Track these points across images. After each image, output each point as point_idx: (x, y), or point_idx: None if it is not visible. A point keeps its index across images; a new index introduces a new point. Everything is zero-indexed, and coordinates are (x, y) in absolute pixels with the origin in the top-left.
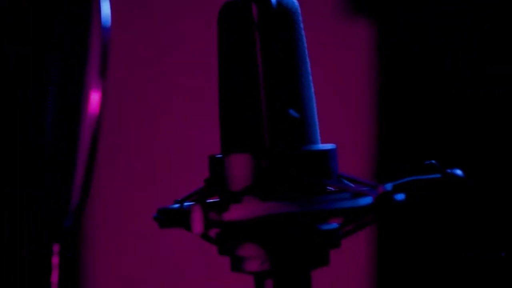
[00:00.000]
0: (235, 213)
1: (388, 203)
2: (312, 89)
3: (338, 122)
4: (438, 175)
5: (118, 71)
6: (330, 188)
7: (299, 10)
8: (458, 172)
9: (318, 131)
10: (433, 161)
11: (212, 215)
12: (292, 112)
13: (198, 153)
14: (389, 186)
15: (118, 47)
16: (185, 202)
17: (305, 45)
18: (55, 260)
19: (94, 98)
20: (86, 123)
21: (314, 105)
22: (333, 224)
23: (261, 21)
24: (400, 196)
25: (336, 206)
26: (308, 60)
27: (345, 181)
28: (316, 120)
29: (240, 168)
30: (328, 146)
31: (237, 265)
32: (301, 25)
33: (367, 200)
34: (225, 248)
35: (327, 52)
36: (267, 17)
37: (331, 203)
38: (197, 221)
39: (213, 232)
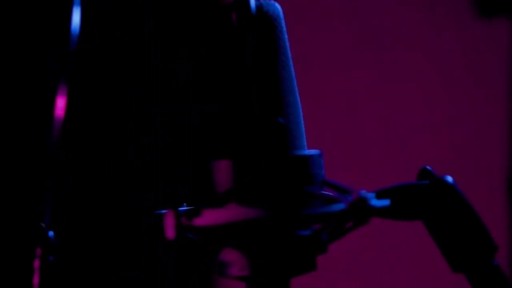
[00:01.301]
0: (206, 218)
1: (362, 209)
2: (297, 95)
3: (476, 122)
4: (426, 181)
5: None
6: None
7: (281, 15)
8: (448, 179)
9: (304, 136)
10: (427, 167)
11: (183, 220)
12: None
13: None
14: (364, 193)
15: None
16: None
17: (288, 50)
18: (36, 263)
19: (60, 103)
20: (55, 126)
21: (299, 110)
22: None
23: (240, 26)
24: (379, 202)
25: (308, 212)
26: (292, 65)
27: (327, 187)
28: (302, 125)
29: (222, 173)
30: (312, 151)
31: (218, 269)
32: (284, 30)
33: (340, 206)
34: (205, 252)
35: (467, 54)
36: (246, 22)
37: (303, 209)
38: (169, 227)
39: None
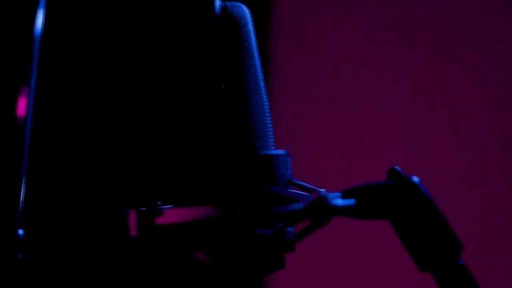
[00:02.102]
0: (168, 217)
1: (321, 208)
2: (264, 95)
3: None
4: (392, 181)
5: None
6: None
7: (247, 17)
8: (414, 179)
9: (271, 136)
10: (396, 167)
11: (146, 219)
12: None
13: None
14: (323, 192)
15: None
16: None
17: (255, 51)
18: None
19: (21, 103)
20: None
21: (266, 111)
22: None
23: (205, 27)
24: (343, 202)
25: (269, 211)
26: (258, 66)
27: (292, 187)
28: (268, 125)
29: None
30: (277, 151)
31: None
32: (249, 31)
33: (299, 206)
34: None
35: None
36: (210, 24)
37: (265, 208)
38: (133, 225)
39: None
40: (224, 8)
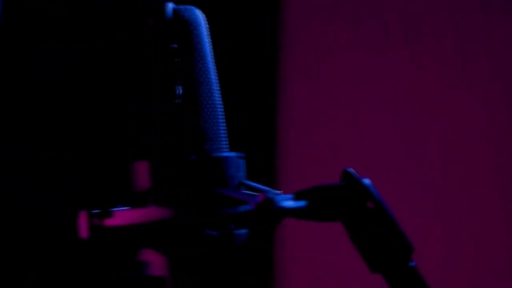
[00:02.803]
0: (118, 219)
1: (268, 209)
2: (217, 97)
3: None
4: (343, 183)
5: None
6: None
7: (200, 20)
8: (365, 181)
9: (224, 138)
10: (348, 169)
11: (95, 221)
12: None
13: None
14: (271, 194)
15: None
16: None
17: (208, 54)
18: None
19: None
20: None
21: (219, 113)
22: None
23: (156, 30)
24: (293, 203)
25: (217, 213)
26: (211, 69)
27: (245, 188)
28: (221, 128)
29: (140, 174)
30: (229, 153)
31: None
32: (202, 35)
33: (246, 207)
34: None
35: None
36: (161, 27)
37: (213, 209)
38: (83, 227)
39: None
40: (176, 11)
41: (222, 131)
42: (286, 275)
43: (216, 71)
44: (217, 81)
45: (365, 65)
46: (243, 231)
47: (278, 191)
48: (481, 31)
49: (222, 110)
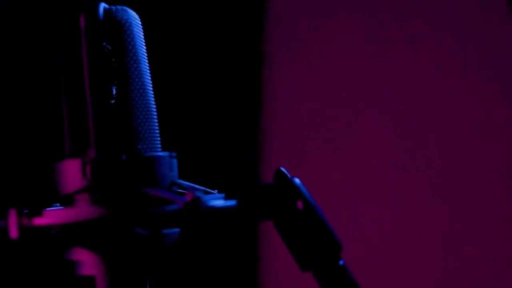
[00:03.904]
0: (47, 218)
1: (195, 209)
2: (150, 97)
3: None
4: (273, 182)
5: None
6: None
7: (132, 20)
8: (295, 180)
9: (156, 137)
10: (281, 168)
11: (24, 220)
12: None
13: None
14: (198, 193)
15: None
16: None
17: (140, 54)
18: None
19: None
20: None
21: (151, 113)
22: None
23: (87, 31)
24: (221, 202)
25: (145, 212)
26: (145, 69)
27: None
28: (154, 127)
29: (70, 173)
30: (160, 153)
31: (73, 268)
32: (134, 34)
33: (174, 207)
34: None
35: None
36: (93, 27)
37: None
38: (13, 226)
39: None
40: (108, 12)
41: (155, 131)
42: (271, 274)
43: (149, 71)
44: (150, 81)
45: (363, 65)
46: (174, 230)
47: (212, 191)
48: (481, 31)
49: (155, 110)
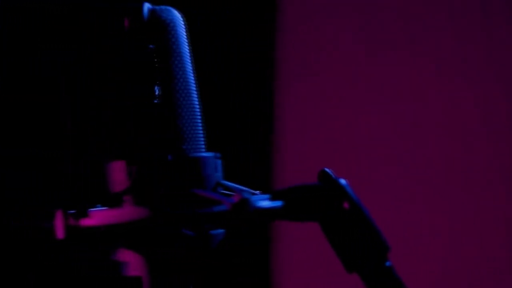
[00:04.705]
0: (94, 219)
1: (243, 210)
2: (194, 97)
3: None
4: (319, 183)
5: None
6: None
7: (176, 20)
8: (342, 181)
9: (201, 138)
10: (326, 169)
11: (71, 221)
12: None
13: None
14: (247, 194)
15: None
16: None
17: (184, 53)
18: None
19: None
20: None
21: (196, 113)
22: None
23: (132, 31)
24: (269, 203)
25: (193, 213)
26: (189, 69)
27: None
28: (198, 128)
29: (116, 174)
30: (206, 154)
31: (116, 269)
32: (178, 34)
33: (222, 208)
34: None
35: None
36: (138, 27)
37: (189, 209)
38: (59, 227)
39: None
40: (152, 12)
41: (200, 131)
42: (283, 275)
43: (194, 71)
44: (195, 81)
45: (364, 65)
46: (220, 231)
47: (256, 192)
48: (481, 31)
49: (200, 110)
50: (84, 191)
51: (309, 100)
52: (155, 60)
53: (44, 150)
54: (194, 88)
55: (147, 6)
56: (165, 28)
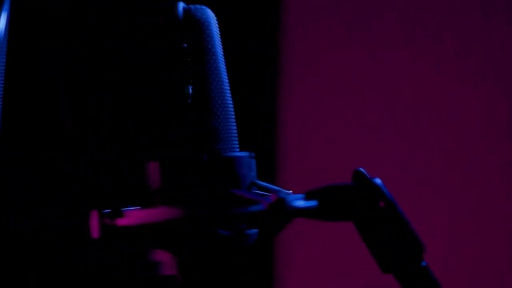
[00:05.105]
0: (130, 219)
1: (280, 209)
2: (228, 97)
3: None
4: (354, 183)
5: None
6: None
7: (210, 19)
8: (377, 180)
9: (235, 138)
10: (360, 169)
11: (106, 220)
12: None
13: None
14: (283, 194)
15: None
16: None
17: (219, 53)
18: None
19: None
20: None
21: (230, 113)
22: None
23: (167, 30)
24: (304, 203)
25: (229, 212)
26: (223, 68)
27: (257, 188)
28: (232, 127)
29: (151, 174)
30: (240, 153)
31: (150, 269)
32: (213, 34)
33: (258, 207)
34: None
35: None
36: (172, 26)
37: (225, 209)
38: (94, 227)
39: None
40: (187, 11)
41: (234, 131)
42: (286, 275)
43: (226, 71)
44: (228, 81)
45: (365, 65)
46: (254, 231)
47: (289, 191)
48: (481, 31)
49: (233, 109)
50: (84, 191)
51: (312, 100)
52: (189, 59)
53: (44, 150)
54: (228, 87)
55: (181, 5)
56: (200, 27)
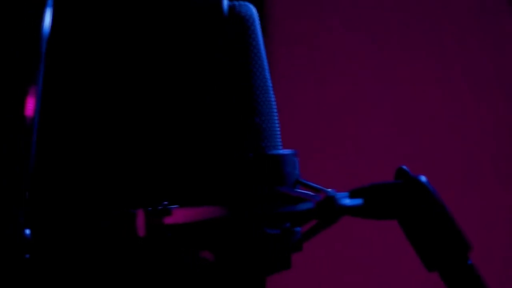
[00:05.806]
0: (176, 217)
1: (329, 208)
2: (271, 94)
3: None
4: (399, 181)
5: None
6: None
7: (255, 16)
8: (422, 178)
9: (278, 135)
10: (403, 167)
11: (154, 219)
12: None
13: None
14: (332, 192)
15: None
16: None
17: (262, 50)
18: None
19: (29, 103)
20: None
21: (273, 110)
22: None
23: (212, 27)
24: (351, 201)
25: (277, 211)
26: (266, 65)
27: (300, 187)
28: (276, 125)
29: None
30: (285, 151)
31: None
32: (257, 31)
33: (307, 205)
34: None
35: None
36: (218, 23)
37: (272, 207)
38: (141, 226)
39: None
40: (232, 7)
41: (277, 128)
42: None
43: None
44: (270, 77)
45: (364, 65)
46: (298, 229)
47: (332, 190)
48: (481, 31)
49: (276, 106)
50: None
51: (298, 97)
52: (234, 56)
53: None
54: (271, 84)
55: (226, 2)
56: (245, 24)
